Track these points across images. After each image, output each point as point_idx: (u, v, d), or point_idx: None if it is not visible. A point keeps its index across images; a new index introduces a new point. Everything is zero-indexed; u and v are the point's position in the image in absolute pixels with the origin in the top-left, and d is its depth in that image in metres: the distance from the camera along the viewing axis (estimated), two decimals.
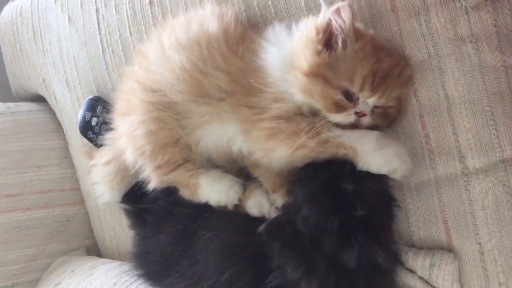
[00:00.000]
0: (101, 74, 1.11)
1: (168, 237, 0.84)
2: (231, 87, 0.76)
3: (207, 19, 0.80)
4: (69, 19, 1.16)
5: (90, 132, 1.09)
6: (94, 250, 1.29)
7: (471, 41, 0.71)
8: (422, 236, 0.79)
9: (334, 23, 0.69)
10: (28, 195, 1.21)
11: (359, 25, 0.73)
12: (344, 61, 0.69)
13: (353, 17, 0.69)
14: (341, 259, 0.67)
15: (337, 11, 0.68)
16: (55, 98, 1.27)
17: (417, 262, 0.76)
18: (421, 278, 0.76)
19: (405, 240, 0.80)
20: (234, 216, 0.82)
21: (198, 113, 0.79)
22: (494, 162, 0.72)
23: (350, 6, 0.68)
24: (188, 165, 0.83)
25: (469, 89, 0.72)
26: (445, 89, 0.73)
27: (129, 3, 1.03)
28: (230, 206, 0.83)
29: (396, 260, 0.76)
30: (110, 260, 1.16)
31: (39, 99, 1.36)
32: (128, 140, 0.85)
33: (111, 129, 0.94)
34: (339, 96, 0.70)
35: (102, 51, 1.10)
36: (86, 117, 1.08)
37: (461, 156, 0.74)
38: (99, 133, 1.07)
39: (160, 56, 0.81)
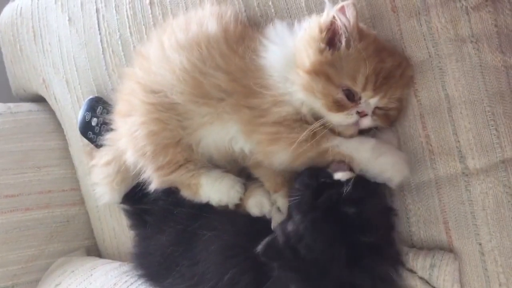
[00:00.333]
0: (101, 74, 1.11)
1: (168, 238, 0.84)
2: (231, 87, 0.76)
3: (206, 19, 0.80)
4: (69, 20, 1.16)
5: (90, 133, 1.09)
6: (94, 250, 1.29)
7: (471, 41, 0.70)
8: (422, 237, 0.79)
9: (338, 21, 0.69)
10: (28, 196, 1.21)
11: (362, 25, 0.73)
12: (347, 60, 0.69)
13: (357, 16, 0.69)
14: (353, 281, 0.67)
15: (342, 10, 0.68)
16: (55, 98, 1.27)
17: (418, 262, 0.76)
18: (421, 278, 0.76)
19: (405, 240, 0.80)
20: (235, 216, 0.82)
21: (199, 114, 0.79)
22: (494, 163, 0.72)
23: (355, 5, 0.68)
24: (189, 166, 0.83)
25: (469, 90, 0.72)
26: (446, 89, 0.73)
27: (129, 3, 1.03)
28: (231, 206, 0.83)
29: (399, 266, 0.76)
30: (110, 261, 1.16)
31: (39, 99, 1.36)
32: (129, 141, 0.85)
33: (111, 129, 0.93)
34: (340, 95, 0.70)
35: (102, 51, 1.10)
36: (86, 118, 1.08)
37: (461, 157, 0.74)
38: (99, 134, 1.07)
39: (160, 57, 0.81)
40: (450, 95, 0.73)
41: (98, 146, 1.05)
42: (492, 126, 0.71)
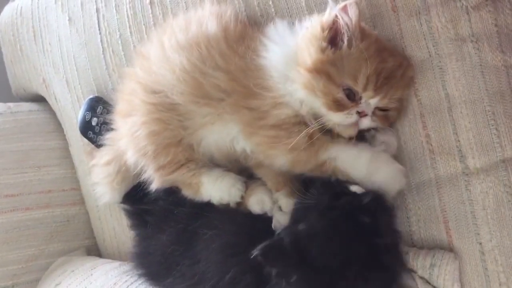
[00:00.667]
0: (102, 74, 1.11)
1: (169, 237, 0.84)
2: (230, 86, 0.76)
3: (206, 19, 0.80)
4: (70, 19, 1.16)
5: (91, 132, 1.09)
6: (94, 250, 1.29)
7: (471, 41, 0.70)
8: (422, 236, 0.79)
9: (340, 20, 0.69)
10: (28, 195, 1.21)
11: (363, 24, 0.73)
12: (348, 60, 0.69)
13: (360, 16, 0.69)
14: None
15: (344, 9, 0.68)
16: (55, 98, 1.27)
17: (418, 262, 0.76)
18: (421, 278, 0.76)
19: (405, 240, 0.79)
20: (236, 215, 0.82)
21: (200, 114, 0.79)
22: (494, 162, 0.72)
23: (357, 4, 0.68)
24: (190, 165, 0.83)
25: (469, 89, 0.72)
26: (446, 88, 0.73)
27: (129, 3, 1.03)
28: (232, 204, 0.83)
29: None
30: (110, 260, 1.16)
31: (39, 99, 1.36)
32: (130, 141, 0.84)
33: (112, 129, 0.93)
34: (341, 95, 0.70)
35: (103, 51, 1.10)
36: (87, 117, 1.08)
37: (461, 156, 0.74)
38: (99, 133, 1.07)
39: (161, 57, 0.81)
40: (451, 94, 0.73)
41: (98, 145, 1.05)
42: (492, 125, 0.71)
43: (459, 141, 0.73)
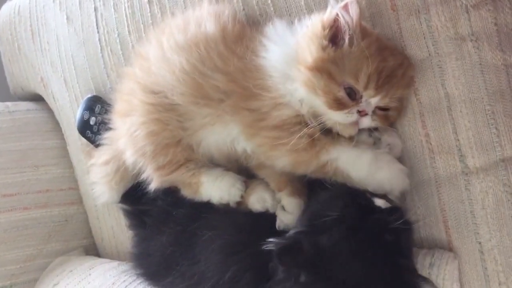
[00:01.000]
0: (100, 73, 1.11)
1: (168, 238, 0.84)
2: (230, 88, 0.76)
3: (204, 19, 0.80)
4: (68, 18, 1.16)
5: (89, 132, 1.08)
6: (93, 250, 1.28)
7: (471, 40, 0.70)
8: (422, 236, 0.79)
9: (341, 19, 0.69)
10: (26, 195, 1.21)
11: (364, 23, 0.73)
12: (349, 58, 0.69)
13: (361, 14, 0.69)
14: None
15: (345, 7, 0.68)
16: (53, 97, 1.27)
17: (417, 261, 0.76)
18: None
19: None
20: (235, 215, 0.81)
21: (200, 115, 0.79)
22: (494, 161, 0.72)
23: (358, 3, 0.67)
24: (189, 165, 0.83)
25: (469, 88, 0.71)
26: (446, 88, 0.73)
27: (127, 1, 1.03)
28: (232, 204, 0.82)
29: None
30: (109, 260, 1.15)
31: (37, 98, 1.36)
32: (129, 141, 0.84)
33: (110, 128, 0.93)
34: (342, 93, 0.70)
35: (101, 50, 1.09)
36: (85, 117, 1.08)
37: (461, 155, 0.74)
38: (97, 133, 1.06)
39: (160, 58, 0.80)
40: (450, 93, 0.73)
41: (97, 145, 1.04)
42: (492, 124, 0.71)
43: (458, 140, 0.73)
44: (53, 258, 1.22)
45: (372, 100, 0.70)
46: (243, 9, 0.87)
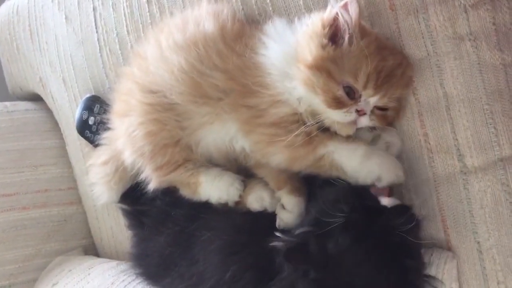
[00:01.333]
0: (98, 73, 1.11)
1: (167, 239, 0.84)
2: (229, 85, 0.76)
3: (203, 18, 0.80)
4: (66, 18, 1.15)
5: (88, 131, 1.08)
6: (92, 249, 1.28)
7: (470, 39, 0.70)
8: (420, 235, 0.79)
9: (340, 18, 0.69)
10: (25, 195, 1.21)
11: (364, 22, 0.73)
12: (348, 57, 0.69)
13: (360, 14, 0.69)
14: None
15: (345, 6, 0.68)
16: (52, 97, 1.27)
17: None
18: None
19: None
20: (233, 215, 0.81)
21: (199, 114, 0.78)
22: (492, 161, 0.72)
23: (358, 2, 0.67)
24: (188, 165, 0.82)
25: (467, 88, 0.71)
26: (444, 87, 0.73)
27: (126, 1, 1.02)
28: (231, 203, 0.82)
29: None
30: (108, 260, 1.15)
31: (36, 98, 1.36)
32: (127, 141, 0.84)
33: (109, 128, 0.93)
34: (341, 92, 0.70)
35: (99, 49, 1.09)
36: (83, 116, 1.08)
37: (459, 155, 0.74)
38: (96, 132, 1.06)
39: (158, 57, 0.80)
40: (449, 93, 0.73)
41: (95, 145, 1.04)
42: (490, 124, 0.71)
43: (457, 139, 0.73)
44: (52, 258, 1.22)
45: (371, 99, 0.70)
46: (242, 9, 0.87)
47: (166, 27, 0.84)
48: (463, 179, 0.74)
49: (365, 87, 0.69)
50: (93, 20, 1.10)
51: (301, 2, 0.81)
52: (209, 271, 0.76)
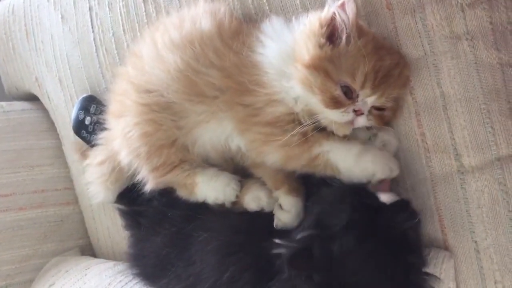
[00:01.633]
0: (95, 72, 1.11)
1: (163, 240, 0.84)
2: (225, 83, 0.75)
3: (200, 16, 0.80)
4: (62, 17, 1.15)
5: (84, 132, 1.08)
6: (89, 250, 1.28)
7: (466, 39, 0.70)
8: None
9: (338, 17, 0.69)
10: (22, 195, 1.20)
11: (361, 22, 0.73)
12: (346, 57, 0.69)
13: (357, 13, 0.69)
14: None
15: (342, 6, 0.68)
16: (48, 97, 1.26)
17: None
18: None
19: None
20: (230, 216, 0.81)
21: (195, 112, 0.78)
22: (490, 160, 0.72)
23: (355, 2, 0.67)
24: (184, 166, 0.82)
25: (465, 87, 0.71)
26: (441, 86, 0.73)
27: (122, 1, 1.02)
28: (227, 204, 0.82)
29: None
30: (105, 260, 1.15)
31: (32, 98, 1.35)
32: (123, 142, 0.84)
33: (105, 128, 0.93)
34: (338, 92, 0.69)
35: (96, 49, 1.09)
36: (80, 116, 1.07)
37: (457, 154, 0.74)
38: (92, 132, 1.06)
39: (154, 56, 0.80)
40: (446, 92, 0.73)
41: (92, 145, 1.04)
42: (487, 123, 0.71)
43: (454, 139, 0.73)
44: (49, 258, 1.21)
45: (368, 99, 0.70)
46: (239, 8, 0.87)
47: (162, 26, 0.84)
48: (460, 178, 0.74)
49: (362, 86, 0.69)
50: (89, 19, 1.09)
51: (297, 2, 0.81)
52: (206, 271, 0.76)
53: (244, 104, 0.75)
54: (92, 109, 1.07)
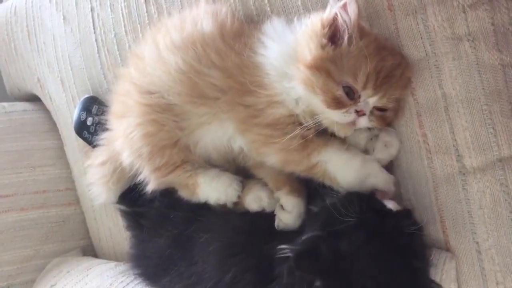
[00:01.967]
0: (96, 73, 1.11)
1: (166, 241, 0.84)
2: (226, 83, 0.76)
3: (201, 17, 0.80)
4: (64, 18, 1.15)
5: (86, 132, 1.08)
6: (90, 250, 1.28)
7: (468, 40, 0.70)
8: None
9: (340, 18, 0.69)
10: (23, 196, 1.20)
11: (363, 23, 0.73)
12: (348, 57, 0.69)
13: (359, 14, 0.69)
14: None
15: (344, 7, 0.68)
16: (50, 97, 1.26)
17: None
18: None
19: None
20: (231, 217, 0.81)
21: (197, 114, 0.78)
22: (491, 161, 0.72)
23: (357, 3, 0.67)
24: (186, 166, 0.82)
25: (466, 88, 0.71)
26: (443, 88, 0.73)
27: (124, 1, 1.02)
28: (229, 204, 0.82)
29: None
30: (106, 261, 1.15)
31: (34, 98, 1.35)
32: (125, 142, 0.84)
33: (107, 129, 0.93)
34: (340, 92, 0.70)
35: (97, 50, 1.09)
36: (82, 117, 1.08)
37: (458, 155, 0.74)
38: (94, 133, 1.06)
39: (155, 58, 0.80)
40: (447, 93, 0.73)
41: (94, 145, 1.04)
42: (489, 124, 0.71)
43: (456, 140, 0.73)
44: (50, 259, 1.21)
45: (370, 100, 0.70)
46: (241, 9, 0.87)
47: (163, 27, 0.84)
48: (461, 179, 0.74)
49: (364, 87, 0.69)
50: (91, 20, 1.09)
51: (299, 2, 0.81)
52: (207, 272, 0.76)
53: (245, 105, 0.75)
54: (94, 110, 1.07)
